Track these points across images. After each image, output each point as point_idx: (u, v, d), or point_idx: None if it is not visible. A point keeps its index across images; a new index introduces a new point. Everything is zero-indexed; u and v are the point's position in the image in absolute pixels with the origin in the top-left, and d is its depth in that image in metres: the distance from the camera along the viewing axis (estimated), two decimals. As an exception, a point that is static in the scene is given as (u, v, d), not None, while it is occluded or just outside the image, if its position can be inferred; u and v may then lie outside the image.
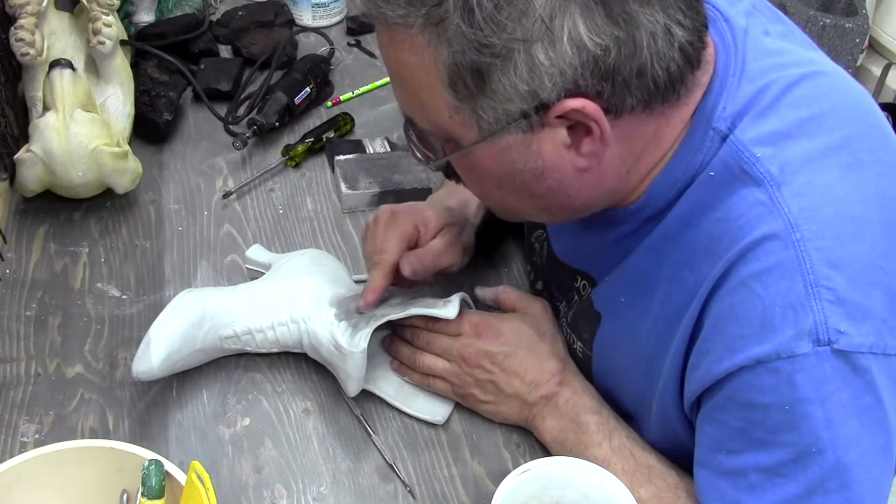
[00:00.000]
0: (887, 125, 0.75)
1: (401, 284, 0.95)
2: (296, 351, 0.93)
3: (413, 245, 0.95)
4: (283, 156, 1.20)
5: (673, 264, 0.74)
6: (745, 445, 0.69)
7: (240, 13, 1.43)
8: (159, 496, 0.73)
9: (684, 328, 0.73)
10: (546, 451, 0.88)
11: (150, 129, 1.22)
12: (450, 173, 0.79)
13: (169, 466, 0.75)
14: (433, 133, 0.72)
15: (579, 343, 0.89)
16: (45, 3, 1.12)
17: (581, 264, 0.89)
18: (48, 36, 1.13)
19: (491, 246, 1.08)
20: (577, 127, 0.67)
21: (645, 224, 0.78)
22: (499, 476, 0.77)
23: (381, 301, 0.91)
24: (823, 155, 0.69)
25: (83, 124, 1.03)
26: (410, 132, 0.76)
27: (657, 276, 0.76)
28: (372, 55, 1.42)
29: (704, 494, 0.73)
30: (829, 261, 0.65)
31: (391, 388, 0.92)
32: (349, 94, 1.33)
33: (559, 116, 0.66)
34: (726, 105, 0.71)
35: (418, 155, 0.77)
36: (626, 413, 0.86)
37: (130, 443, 0.77)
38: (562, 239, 0.92)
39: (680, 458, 0.80)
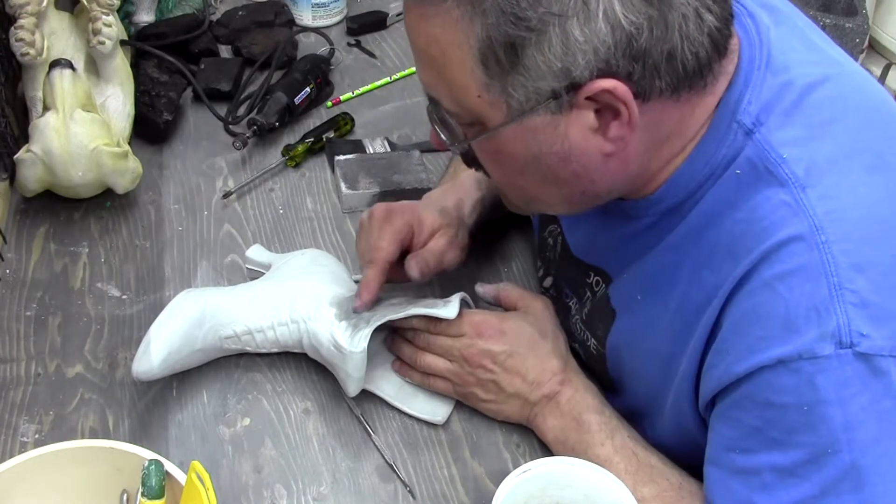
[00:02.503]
0: None
1: (397, 279, 0.95)
2: (296, 351, 0.93)
3: (407, 244, 0.95)
4: (283, 156, 1.20)
5: (693, 263, 0.74)
6: (760, 445, 0.69)
7: (240, 13, 1.43)
8: (159, 496, 0.73)
9: (703, 328, 0.73)
10: (546, 451, 0.88)
11: (150, 129, 1.22)
12: (469, 159, 0.78)
13: (169, 466, 0.75)
14: (459, 115, 0.72)
15: (593, 340, 0.89)
16: (45, 3, 1.12)
17: (596, 260, 0.88)
18: (48, 36, 1.13)
19: (492, 244, 1.08)
20: (605, 111, 0.67)
21: (663, 218, 0.78)
22: (499, 476, 0.77)
23: (380, 300, 0.91)
24: (848, 157, 0.69)
25: (83, 124, 1.03)
26: (434, 115, 0.75)
27: (676, 275, 0.76)
28: (372, 55, 1.42)
29: (715, 493, 0.73)
30: (853, 263, 0.65)
31: (391, 388, 0.92)
32: (349, 94, 1.33)
33: (589, 98, 0.66)
34: (751, 99, 0.71)
35: (442, 137, 0.76)
36: (637, 410, 0.86)
37: (130, 443, 0.77)
38: (577, 233, 0.92)
39: (692, 456, 0.80)
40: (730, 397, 0.71)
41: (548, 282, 0.99)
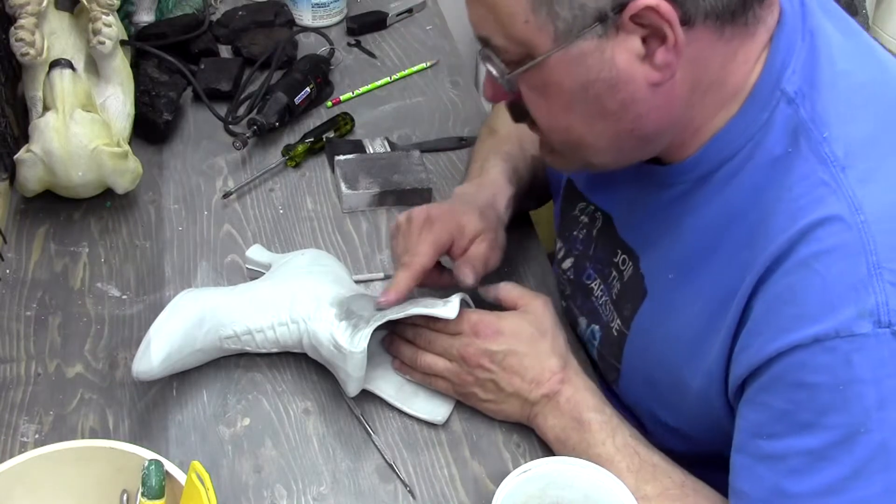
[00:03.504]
0: None
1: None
2: (296, 351, 0.93)
3: (445, 253, 0.95)
4: (283, 156, 1.20)
5: (731, 245, 0.74)
6: (788, 429, 0.69)
7: (240, 13, 1.43)
8: (159, 496, 0.73)
9: (735, 308, 0.73)
10: (547, 451, 0.88)
11: (150, 129, 1.22)
12: (518, 112, 0.79)
13: (169, 466, 0.75)
14: (508, 49, 0.72)
15: (618, 321, 0.88)
16: (45, 3, 1.12)
17: (628, 235, 0.88)
18: (48, 36, 1.13)
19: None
20: (652, 38, 0.68)
21: (695, 187, 0.78)
22: (499, 476, 0.77)
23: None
24: (885, 141, 0.70)
25: (83, 124, 1.03)
26: (486, 51, 0.75)
27: (712, 257, 0.76)
28: (372, 55, 1.42)
29: (742, 480, 0.73)
30: (892, 244, 0.65)
31: (391, 388, 0.92)
32: (349, 94, 1.33)
33: (634, 21, 0.66)
34: (795, 69, 0.72)
35: (494, 73, 0.76)
36: (652, 399, 0.85)
37: (130, 443, 0.77)
38: (616, 207, 0.91)
39: (717, 444, 0.79)
40: (758, 381, 0.70)
41: (567, 263, 0.98)
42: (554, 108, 0.75)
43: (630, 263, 0.87)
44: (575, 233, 0.97)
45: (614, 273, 0.89)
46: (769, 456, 0.70)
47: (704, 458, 0.83)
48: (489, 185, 1.02)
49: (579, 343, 0.99)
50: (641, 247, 0.86)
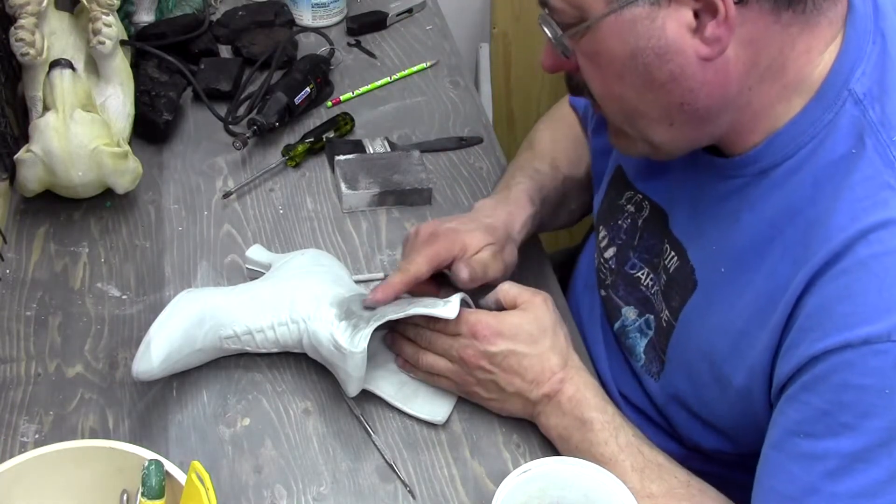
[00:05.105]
0: None
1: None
2: (296, 351, 0.93)
3: (444, 268, 0.95)
4: (283, 156, 1.20)
5: (785, 241, 0.74)
6: (827, 430, 0.68)
7: (240, 13, 1.43)
8: (159, 496, 0.73)
9: (785, 305, 0.72)
10: (546, 451, 0.88)
11: (150, 129, 1.22)
12: (575, 85, 0.80)
13: (169, 466, 0.75)
14: (564, 12, 0.73)
15: (666, 312, 0.88)
16: (45, 3, 1.12)
17: (678, 226, 0.88)
18: (48, 36, 1.13)
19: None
20: (703, 13, 0.68)
21: (754, 180, 0.77)
22: (499, 476, 0.77)
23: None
24: None
25: (83, 124, 1.03)
26: (545, 14, 0.76)
27: (765, 252, 0.76)
28: (372, 55, 1.42)
29: (773, 477, 0.72)
30: None
31: (391, 388, 0.92)
32: (349, 94, 1.33)
33: None
34: (865, 70, 0.72)
35: (548, 34, 0.77)
36: (690, 392, 0.85)
37: (130, 443, 0.77)
38: (665, 198, 0.91)
39: (751, 442, 0.78)
40: (802, 379, 0.70)
41: (610, 252, 0.98)
42: (607, 76, 0.75)
43: (677, 254, 0.86)
44: (619, 221, 0.97)
45: (662, 263, 0.89)
46: (805, 455, 0.69)
47: (736, 456, 0.83)
48: (509, 203, 1.02)
49: (614, 336, 0.98)
50: (692, 238, 0.85)
